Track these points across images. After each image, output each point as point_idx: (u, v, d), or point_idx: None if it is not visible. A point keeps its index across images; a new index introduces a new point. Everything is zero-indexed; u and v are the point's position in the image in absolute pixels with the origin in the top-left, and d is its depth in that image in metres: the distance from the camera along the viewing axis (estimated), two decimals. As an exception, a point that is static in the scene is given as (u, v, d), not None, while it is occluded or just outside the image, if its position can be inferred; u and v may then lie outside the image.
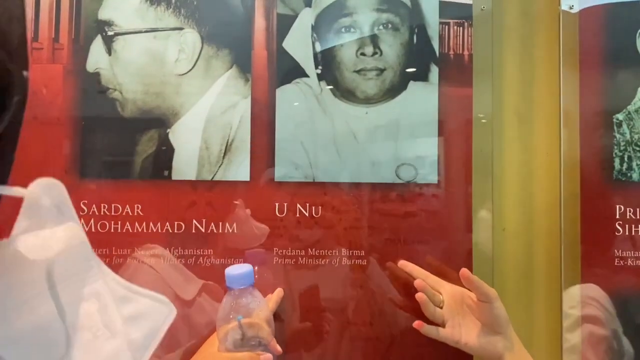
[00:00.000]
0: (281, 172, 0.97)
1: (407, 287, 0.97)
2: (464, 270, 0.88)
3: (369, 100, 0.99)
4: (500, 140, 1.05)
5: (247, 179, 0.97)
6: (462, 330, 0.90)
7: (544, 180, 1.04)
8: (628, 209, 1.00)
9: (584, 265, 0.99)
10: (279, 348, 0.78)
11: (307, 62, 0.99)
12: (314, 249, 0.97)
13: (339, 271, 0.97)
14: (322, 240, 0.97)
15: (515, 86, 1.06)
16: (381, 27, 1.00)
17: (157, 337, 0.49)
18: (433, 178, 0.99)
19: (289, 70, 0.99)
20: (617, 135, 1.00)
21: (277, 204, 0.97)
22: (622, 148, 1.00)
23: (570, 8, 1.02)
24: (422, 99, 1.00)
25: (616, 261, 0.99)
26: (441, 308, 0.92)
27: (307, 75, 0.99)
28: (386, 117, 0.99)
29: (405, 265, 0.96)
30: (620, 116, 1.01)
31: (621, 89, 1.01)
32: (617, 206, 1.00)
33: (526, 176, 1.05)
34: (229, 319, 0.73)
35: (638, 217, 1.00)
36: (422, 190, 0.99)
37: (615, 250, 0.99)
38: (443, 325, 0.91)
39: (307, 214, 0.97)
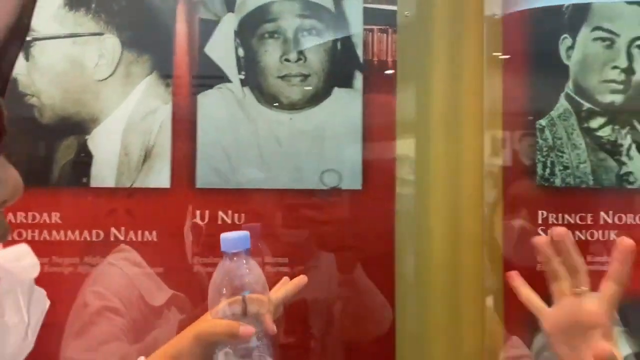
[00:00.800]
0: (203, 178, 0.96)
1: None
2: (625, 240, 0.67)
3: (293, 106, 0.99)
4: (426, 145, 1.05)
5: (168, 185, 0.96)
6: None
7: (469, 186, 1.04)
8: (550, 214, 1.01)
9: (506, 269, 0.99)
10: (272, 327, 0.69)
11: (229, 68, 0.98)
12: (236, 257, 0.96)
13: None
14: (244, 248, 0.96)
15: (442, 92, 1.06)
16: (305, 33, 1.00)
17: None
18: (357, 184, 0.99)
19: (211, 76, 0.98)
20: (540, 141, 1.01)
21: (198, 212, 0.96)
22: (544, 154, 1.01)
23: (494, 15, 1.03)
24: (347, 105, 1.00)
25: (538, 266, 1.00)
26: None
27: (229, 81, 0.98)
28: (310, 123, 0.99)
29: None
30: (543, 122, 1.02)
31: (545, 95, 1.02)
32: (540, 211, 1.01)
33: (452, 181, 1.05)
34: (223, 284, 0.69)
35: (560, 222, 1.01)
36: (346, 196, 0.99)
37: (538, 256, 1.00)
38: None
39: (229, 221, 0.96)
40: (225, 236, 0.70)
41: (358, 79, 1.00)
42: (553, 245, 0.73)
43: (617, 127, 1.02)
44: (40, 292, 0.61)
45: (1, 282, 0.53)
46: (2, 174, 0.34)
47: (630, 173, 1.02)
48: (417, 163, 1.03)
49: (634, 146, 1.02)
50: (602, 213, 1.01)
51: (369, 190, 1.00)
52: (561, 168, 1.01)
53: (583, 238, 1.01)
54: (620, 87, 1.02)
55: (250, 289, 0.69)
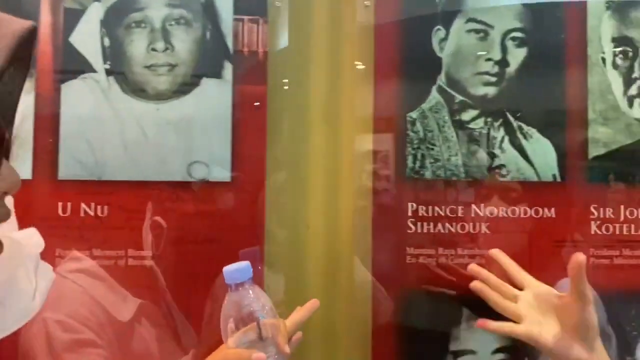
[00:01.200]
0: (65, 170, 0.95)
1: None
2: (578, 256, 0.80)
3: (160, 97, 0.98)
4: (301, 136, 1.04)
5: (29, 177, 0.94)
6: (542, 329, 0.83)
7: (346, 177, 1.04)
8: (420, 206, 1.00)
9: (375, 262, 1.00)
10: (286, 349, 0.74)
11: (94, 57, 0.97)
12: (99, 250, 0.95)
13: (127, 272, 0.95)
14: (108, 241, 0.95)
15: (317, 83, 1.05)
16: (173, 22, 0.98)
17: None
18: (226, 176, 0.98)
19: (75, 66, 0.96)
20: (411, 134, 1.01)
21: (60, 204, 0.95)
22: (415, 146, 1.01)
23: (366, 7, 1.02)
24: (216, 96, 0.99)
25: (408, 258, 1.00)
26: (515, 302, 0.88)
27: (94, 71, 0.96)
28: (178, 114, 0.98)
29: (497, 254, 0.94)
30: (414, 114, 1.01)
31: (416, 88, 1.02)
32: (410, 204, 1.00)
33: (330, 173, 1.05)
34: (232, 315, 0.73)
35: (430, 214, 1.01)
36: (215, 188, 0.98)
37: (407, 248, 1.00)
38: (517, 321, 0.86)
39: (92, 214, 0.95)
40: (227, 269, 0.73)
41: (228, 70, 0.99)
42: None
43: (489, 119, 1.02)
44: (46, 266, 0.75)
45: (15, 253, 0.66)
46: (3, 171, 0.43)
47: (502, 165, 1.02)
48: (294, 154, 1.02)
49: (506, 139, 1.02)
50: (473, 206, 1.01)
51: (239, 183, 0.99)
52: (432, 161, 1.01)
53: (453, 231, 1.01)
54: (494, 79, 1.02)
55: (262, 314, 0.72)
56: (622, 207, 1.03)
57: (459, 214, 1.01)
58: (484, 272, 0.92)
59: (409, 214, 1.00)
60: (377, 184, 1.00)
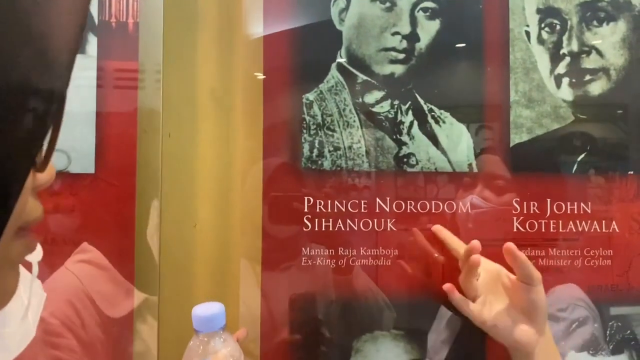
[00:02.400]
0: None
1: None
2: (509, 245, 0.80)
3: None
4: (189, 125, 0.91)
5: None
6: (491, 309, 0.82)
7: (238, 171, 0.91)
8: (318, 201, 0.88)
9: (265, 266, 0.87)
10: None
11: None
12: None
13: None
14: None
15: (205, 61, 0.92)
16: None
17: None
18: (90, 168, 0.85)
19: None
20: (308, 118, 0.88)
21: None
22: (312, 132, 0.88)
23: (255, -29, 0.89)
24: (78, 73, 0.85)
25: (303, 260, 0.87)
26: (477, 280, 0.84)
27: None
28: (33, 96, 0.84)
29: (439, 230, 0.88)
30: (311, 96, 0.88)
31: (313, 65, 0.89)
32: (306, 198, 0.88)
33: (222, 166, 0.92)
34: None
35: (330, 209, 0.88)
36: (77, 181, 0.85)
37: (303, 249, 0.87)
38: (473, 300, 0.83)
39: None
40: (197, 313, 0.64)
41: (92, 44, 0.86)
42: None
43: (396, 102, 0.89)
44: (38, 282, 0.62)
45: None
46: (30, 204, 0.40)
47: (411, 154, 0.89)
48: (170, 142, 0.89)
49: (416, 124, 0.90)
50: (378, 199, 0.89)
51: (105, 176, 0.85)
52: (331, 149, 0.88)
53: (355, 228, 0.88)
54: (402, 56, 0.89)
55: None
56: (548, 201, 0.91)
57: (362, 210, 0.88)
58: (444, 232, 0.88)
59: (305, 209, 0.88)
60: (268, 176, 0.88)
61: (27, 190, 0.38)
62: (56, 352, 0.83)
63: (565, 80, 0.92)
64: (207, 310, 0.65)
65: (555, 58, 0.91)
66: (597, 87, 0.92)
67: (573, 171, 0.91)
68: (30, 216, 0.42)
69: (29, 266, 0.56)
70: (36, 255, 0.57)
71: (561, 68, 0.91)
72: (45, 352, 0.83)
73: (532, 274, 0.79)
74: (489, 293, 0.84)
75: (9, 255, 0.40)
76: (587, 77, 0.92)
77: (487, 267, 0.85)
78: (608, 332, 0.91)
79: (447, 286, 0.84)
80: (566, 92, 0.92)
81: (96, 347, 0.84)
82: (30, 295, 0.57)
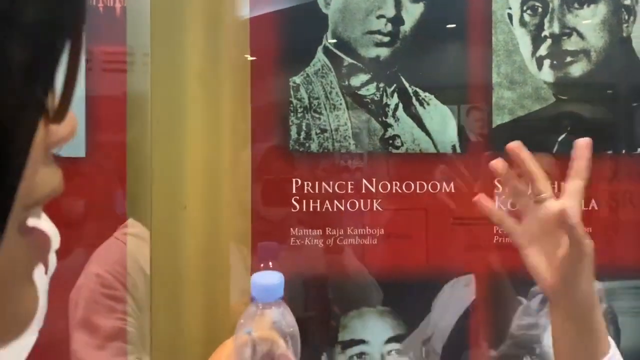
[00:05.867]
0: None
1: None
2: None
3: None
4: (177, 108, 0.92)
5: None
6: (533, 243, 0.67)
7: (227, 154, 0.92)
8: (306, 182, 0.90)
9: (255, 247, 0.89)
10: None
11: None
12: None
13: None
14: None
15: (195, 45, 0.93)
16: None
17: None
18: (80, 151, 0.86)
19: None
20: (295, 101, 0.90)
21: None
22: (299, 115, 0.90)
23: (241, -45, 0.89)
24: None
25: (292, 240, 0.90)
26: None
27: None
28: (23, 81, 0.85)
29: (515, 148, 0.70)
30: (297, 79, 0.90)
31: (299, 48, 0.90)
32: (294, 179, 0.90)
33: (211, 149, 0.93)
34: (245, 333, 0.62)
35: (317, 191, 0.90)
36: (67, 165, 0.86)
37: (292, 229, 0.90)
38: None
39: None
40: (257, 281, 0.61)
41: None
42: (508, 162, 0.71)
43: (382, 85, 0.91)
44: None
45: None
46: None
47: (396, 136, 0.92)
48: (159, 126, 0.90)
49: (401, 106, 0.92)
50: (364, 181, 0.91)
51: (96, 159, 0.87)
52: (318, 131, 0.90)
53: (342, 209, 0.90)
54: (387, 39, 0.91)
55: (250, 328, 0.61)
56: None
57: (349, 190, 0.91)
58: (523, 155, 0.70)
59: (293, 191, 0.90)
60: (256, 158, 0.89)
61: (38, 152, 0.26)
62: (110, 302, 0.88)
63: (547, 62, 0.94)
64: (266, 278, 0.63)
65: (537, 40, 0.93)
66: (577, 69, 0.94)
67: (554, 151, 0.94)
68: (44, 189, 0.29)
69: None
70: (56, 241, 0.49)
71: (543, 50, 0.93)
72: (100, 301, 0.88)
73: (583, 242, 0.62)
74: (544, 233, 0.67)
75: (20, 257, 0.28)
76: (568, 59, 0.94)
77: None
78: (586, 306, 0.94)
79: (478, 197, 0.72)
80: (547, 74, 0.94)
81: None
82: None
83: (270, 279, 0.63)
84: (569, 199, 0.69)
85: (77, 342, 0.88)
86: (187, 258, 0.92)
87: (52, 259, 0.54)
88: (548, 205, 0.68)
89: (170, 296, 0.87)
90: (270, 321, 0.62)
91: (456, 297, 0.93)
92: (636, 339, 0.95)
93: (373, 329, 0.91)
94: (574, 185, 0.70)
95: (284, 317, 0.64)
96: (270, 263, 0.88)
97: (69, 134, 0.29)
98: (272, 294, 0.62)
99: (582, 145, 0.73)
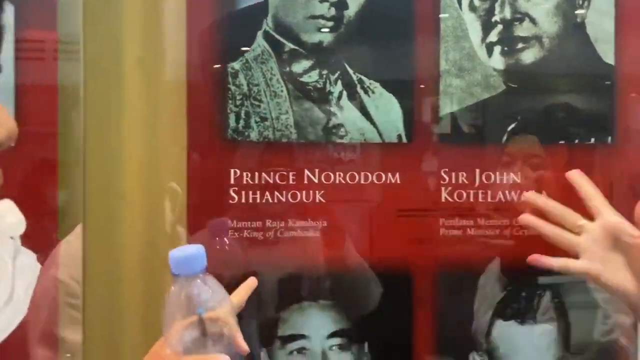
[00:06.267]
0: None
1: None
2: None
3: None
4: (112, 95, 0.89)
5: None
6: (604, 266, 0.79)
7: (164, 143, 0.89)
8: (245, 173, 0.87)
9: (192, 238, 0.86)
10: (245, 346, 0.61)
11: None
12: None
13: None
14: None
15: (130, 29, 0.90)
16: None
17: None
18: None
19: None
20: (233, 88, 0.87)
21: None
22: (238, 102, 0.87)
23: None
24: (-6, 43, 0.83)
25: (230, 233, 0.87)
26: (578, 234, 0.81)
27: None
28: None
29: (575, 177, 0.86)
30: (236, 65, 0.87)
31: (238, 33, 0.87)
32: (232, 170, 0.87)
33: (147, 138, 0.90)
34: (179, 314, 0.59)
35: (257, 181, 0.87)
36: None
37: (230, 222, 0.87)
38: (575, 256, 0.81)
39: None
40: (174, 255, 0.57)
41: (8, 12, 0.83)
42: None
43: (325, 72, 0.88)
44: (28, 254, 0.58)
45: None
46: None
47: (340, 125, 0.89)
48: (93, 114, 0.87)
49: (345, 94, 0.88)
50: (306, 171, 0.88)
51: (25, 148, 0.84)
52: (258, 119, 0.87)
53: (284, 200, 0.88)
54: (330, 24, 0.88)
55: (207, 307, 0.58)
56: (477, 171, 0.91)
57: (290, 181, 0.88)
58: (541, 200, 0.86)
59: (231, 181, 0.87)
60: (192, 147, 0.86)
61: None
62: (74, 312, 0.84)
63: (497, 49, 0.90)
64: (183, 250, 0.59)
65: (487, 26, 0.90)
66: (529, 56, 0.91)
67: (503, 141, 0.91)
68: None
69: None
70: (15, 228, 0.51)
71: (493, 36, 0.90)
72: (65, 311, 0.85)
73: None
74: (600, 247, 0.80)
75: None
76: (520, 45, 0.91)
77: (607, 218, 0.81)
78: (536, 300, 0.92)
79: (531, 258, 0.82)
80: (498, 61, 0.90)
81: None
82: (14, 276, 0.52)
83: (190, 250, 0.59)
84: (611, 214, 0.80)
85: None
86: (124, 251, 0.89)
87: (17, 244, 0.52)
88: (599, 222, 0.79)
89: (106, 286, 0.84)
90: (199, 296, 0.59)
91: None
92: (586, 334, 0.93)
93: (314, 324, 0.88)
94: (599, 202, 0.81)
95: (213, 290, 0.60)
96: (226, 239, 0.86)
97: (8, 137, 0.35)
98: (193, 266, 0.58)
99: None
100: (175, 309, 0.59)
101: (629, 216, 0.87)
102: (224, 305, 0.60)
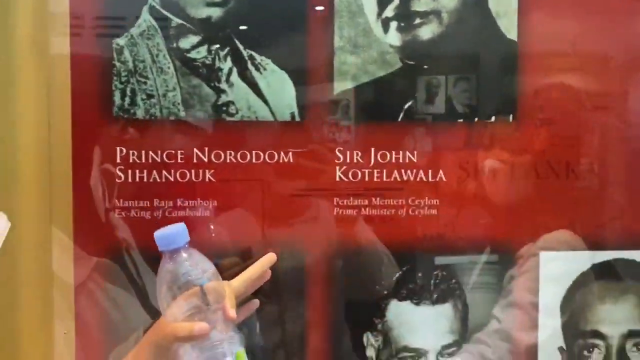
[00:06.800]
0: None
1: None
2: None
3: None
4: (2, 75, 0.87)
5: None
6: None
7: (32, 119, 0.86)
8: (131, 151, 0.85)
9: (77, 218, 0.85)
10: (232, 314, 0.64)
11: None
12: None
13: None
14: None
15: (22, 7, 0.87)
16: None
17: None
18: None
19: None
20: (118, 64, 0.84)
21: None
22: (123, 79, 0.85)
23: None
24: None
25: (117, 212, 0.86)
26: None
27: None
28: None
29: None
30: (121, 41, 0.84)
31: (122, 8, 0.85)
32: (118, 148, 0.85)
33: (38, 116, 0.88)
34: (167, 287, 0.64)
35: (144, 160, 0.86)
36: None
37: (117, 201, 0.85)
38: None
39: None
40: (159, 234, 0.64)
41: None
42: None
43: (214, 47, 0.86)
44: None
45: None
46: None
47: (230, 103, 0.87)
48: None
49: (235, 70, 0.86)
50: (195, 150, 0.86)
51: None
52: (144, 97, 0.85)
53: (172, 179, 0.86)
54: (218, -2, 0.85)
55: (203, 280, 0.64)
56: (372, 149, 0.89)
57: (179, 160, 0.86)
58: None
59: (118, 160, 0.85)
60: (76, 125, 0.84)
61: None
62: None
63: (394, 24, 0.88)
64: (168, 229, 0.65)
65: (384, 0, 0.87)
66: (427, 31, 0.89)
67: (399, 119, 0.89)
68: None
69: None
70: None
71: (389, 11, 0.88)
72: None
73: None
74: None
75: None
76: (417, 21, 0.88)
77: None
78: (432, 281, 0.91)
79: None
80: (394, 37, 0.88)
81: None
82: None
83: (173, 228, 0.64)
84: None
85: None
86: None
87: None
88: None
89: None
90: (182, 268, 0.63)
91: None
92: (483, 315, 0.92)
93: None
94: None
95: (195, 259, 0.64)
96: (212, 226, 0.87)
97: None
98: (176, 240, 0.63)
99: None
100: (167, 284, 0.63)
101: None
102: (213, 276, 0.64)
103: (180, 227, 0.64)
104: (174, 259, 0.64)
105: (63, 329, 0.86)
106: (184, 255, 0.64)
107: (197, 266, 0.64)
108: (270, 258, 0.74)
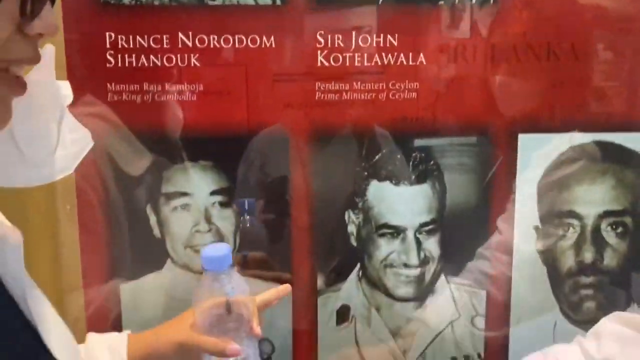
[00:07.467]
0: None
1: None
2: None
3: None
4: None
5: None
6: None
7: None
8: (120, 36, 0.89)
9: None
10: (258, 330, 0.70)
11: None
12: None
13: None
14: None
15: None
16: None
17: None
18: None
19: None
20: (102, -51, 0.86)
21: None
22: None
23: None
24: None
25: (109, 96, 0.91)
26: None
27: None
28: None
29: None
30: None
31: None
32: (108, 33, 0.89)
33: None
34: (205, 300, 0.70)
35: (132, 45, 0.89)
36: None
37: (108, 84, 0.90)
38: None
39: None
40: (207, 255, 0.68)
41: None
42: None
43: None
44: (82, 130, 0.66)
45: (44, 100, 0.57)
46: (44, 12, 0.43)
47: (212, -13, 0.88)
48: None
49: (218, -45, 0.87)
50: (180, 34, 0.89)
51: None
52: (133, -18, 0.87)
53: (159, 64, 0.90)
54: None
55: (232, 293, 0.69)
56: (353, 33, 0.90)
57: (165, 45, 0.89)
58: None
59: (107, 45, 0.89)
60: (66, 12, 0.88)
61: (7, 21, 0.40)
62: None
63: None
64: (214, 250, 0.70)
65: None
66: None
67: (379, 2, 0.89)
68: (12, 54, 0.42)
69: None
70: (66, 99, 0.62)
71: None
72: None
73: None
74: None
75: None
76: None
77: None
78: (411, 162, 0.94)
79: None
80: None
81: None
82: (59, 133, 0.60)
83: (219, 250, 0.69)
84: None
85: None
86: None
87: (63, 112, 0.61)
88: None
89: None
90: (223, 289, 0.68)
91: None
92: (460, 195, 0.96)
93: (196, 183, 0.93)
94: None
95: (236, 283, 0.70)
96: (248, 217, 0.94)
97: (47, 29, 0.42)
98: (221, 264, 0.68)
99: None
100: (203, 297, 0.69)
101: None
102: (245, 295, 0.70)
103: (225, 252, 0.68)
104: (215, 279, 0.68)
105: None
106: (225, 277, 0.68)
107: (236, 288, 0.69)
108: (286, 289, 0.79)
